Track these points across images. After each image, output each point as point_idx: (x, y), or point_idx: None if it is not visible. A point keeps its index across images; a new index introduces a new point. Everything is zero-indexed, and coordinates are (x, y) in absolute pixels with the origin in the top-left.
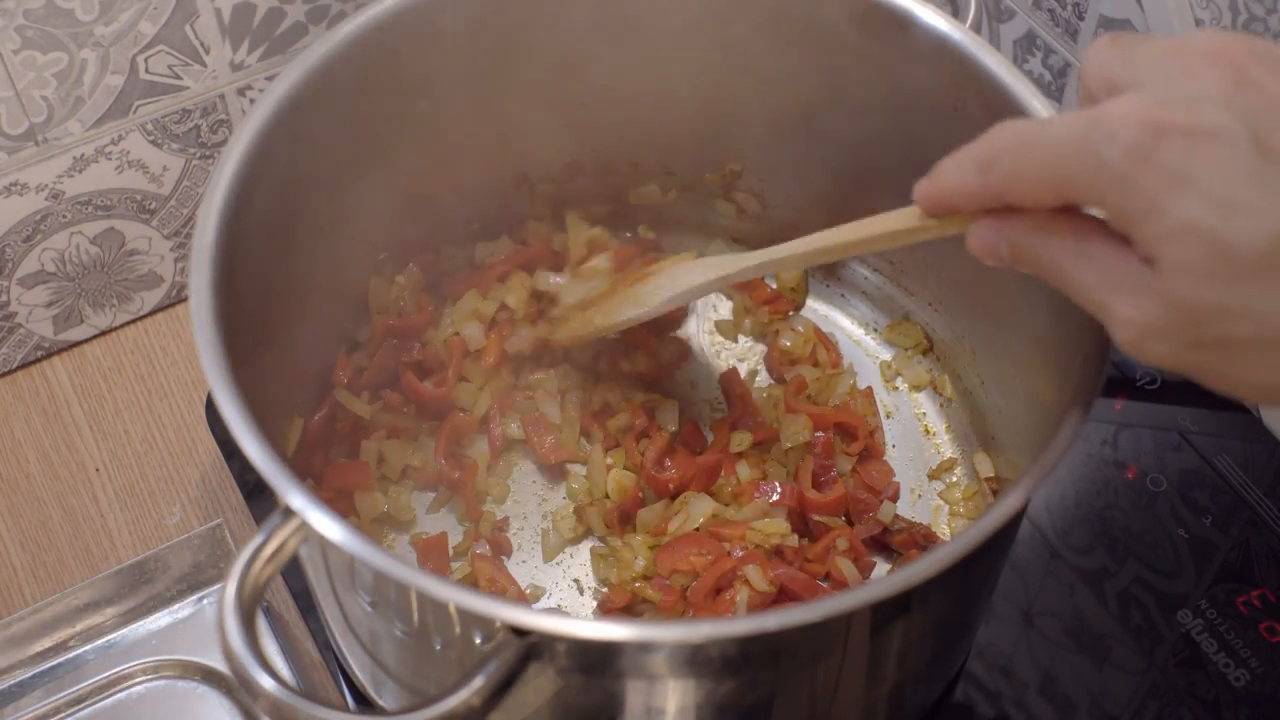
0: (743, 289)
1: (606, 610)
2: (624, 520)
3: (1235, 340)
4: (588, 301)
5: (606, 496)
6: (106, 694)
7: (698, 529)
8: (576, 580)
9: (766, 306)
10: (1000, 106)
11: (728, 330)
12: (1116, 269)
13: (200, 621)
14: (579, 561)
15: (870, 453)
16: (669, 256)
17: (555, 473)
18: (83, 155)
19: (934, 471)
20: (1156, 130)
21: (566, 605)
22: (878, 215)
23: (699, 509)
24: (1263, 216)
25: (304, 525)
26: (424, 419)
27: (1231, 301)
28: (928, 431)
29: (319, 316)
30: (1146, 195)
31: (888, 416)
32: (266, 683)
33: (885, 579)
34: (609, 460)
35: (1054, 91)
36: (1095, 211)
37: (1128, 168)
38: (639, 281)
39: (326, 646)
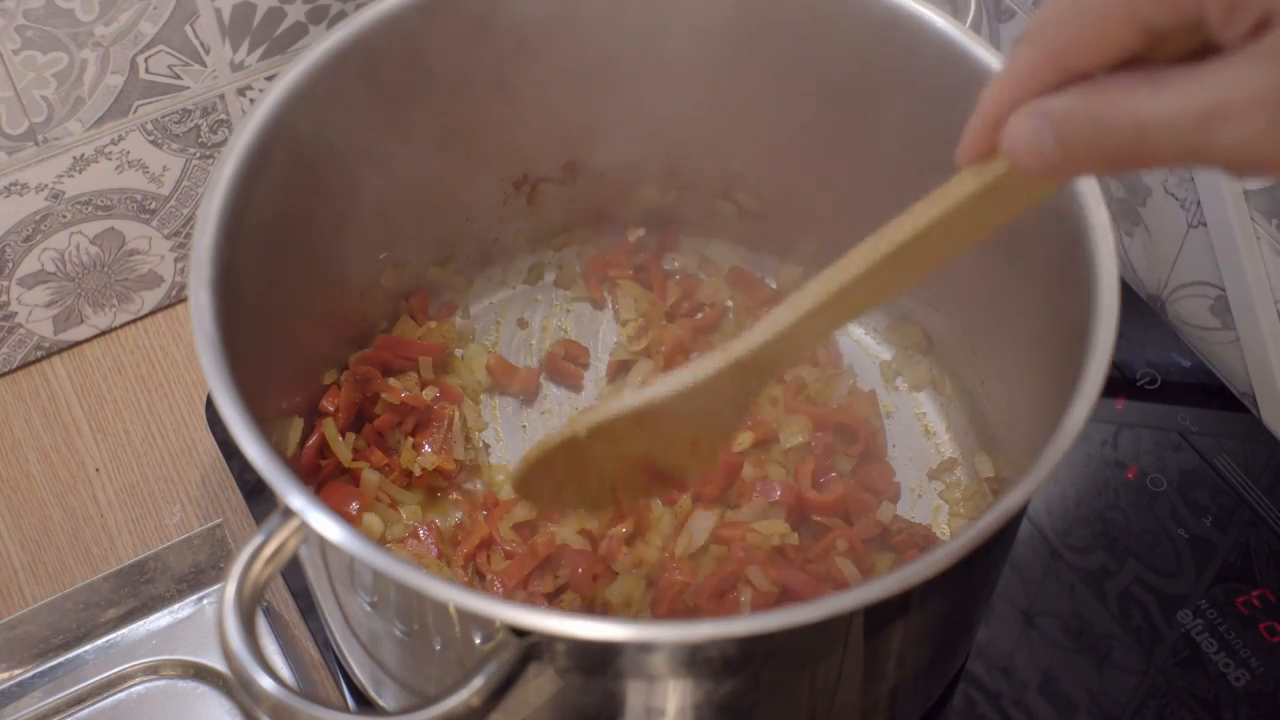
0: (743, 289)
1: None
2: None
3: None
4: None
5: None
6: (106, 694)
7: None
8: None
9: (766, 307)
10: None
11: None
12: (1215, 68)
13: (200, 621)
14: None
15: (870, 453)
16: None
17: None
18: (83, 155)
19: (934, 471)
20: None
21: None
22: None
23: (701, 525)
24: None
25: (304, 525)
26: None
27: None
28: (928, 431)
29: (319, 316)
30: None
31: (888, 416)
32: (266, 683)
33: (885, 579)
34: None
35: None
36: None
37: None
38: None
39: (326, 646)
